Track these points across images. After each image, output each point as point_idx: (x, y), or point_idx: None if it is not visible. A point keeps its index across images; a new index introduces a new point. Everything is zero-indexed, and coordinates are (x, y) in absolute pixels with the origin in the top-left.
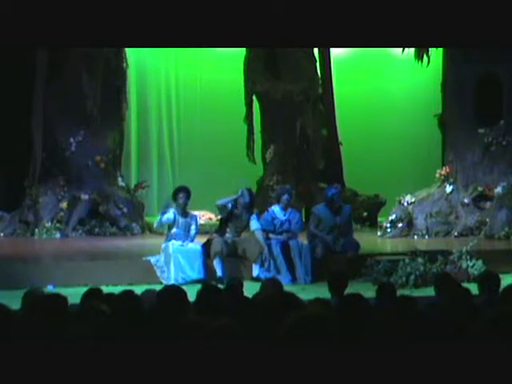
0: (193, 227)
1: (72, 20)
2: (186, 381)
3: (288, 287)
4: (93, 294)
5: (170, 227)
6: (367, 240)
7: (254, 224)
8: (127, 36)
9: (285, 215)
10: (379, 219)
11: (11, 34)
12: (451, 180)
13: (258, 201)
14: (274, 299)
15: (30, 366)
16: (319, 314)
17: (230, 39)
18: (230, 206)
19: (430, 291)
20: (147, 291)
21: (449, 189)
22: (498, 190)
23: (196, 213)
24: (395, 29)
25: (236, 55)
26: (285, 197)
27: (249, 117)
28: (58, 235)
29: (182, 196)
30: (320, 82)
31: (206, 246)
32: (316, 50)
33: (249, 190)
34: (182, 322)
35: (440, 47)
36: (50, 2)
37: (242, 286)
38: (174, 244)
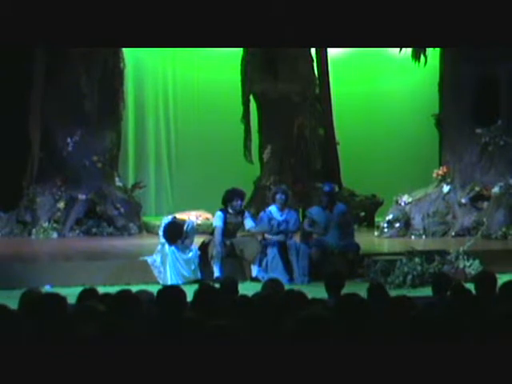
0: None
1: (70, 20)
2: (185, 379)
3: (285, 287)
4: (88, 295)
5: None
6: (364, 240)
7: (248, 223)
8: (125, 36)
9: (282, 215)
10: (376, 219)
11: (10, 34)
12: (448, 180)
13: (255, 201)
14: (276, 299)
15: (29, 366)
16: (323, 314)
17: (227, 39)
18: (222, 224)
19: (427, 291)
20: (140, 292)
21: (446, 189)
22: (495, 189)
23: (193, 213)
24: (392, 29)
25: (233, 55)
26: (278, 196)
27: (246, 117)
28: (55, 235)
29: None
30: (317, 81)
31: (203, 248)
32: (313, 50)
33: (239, 192)
34: (180, 321)
35: (437, 47)
36: (49, 3)
37: (236, 285)
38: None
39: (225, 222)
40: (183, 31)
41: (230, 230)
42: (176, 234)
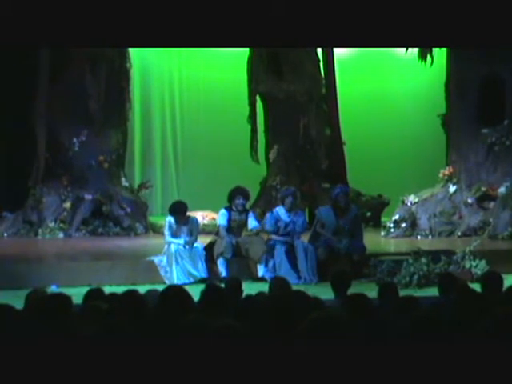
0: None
1: (75, 20)
2: (189, 380)
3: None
4: (94, 295)
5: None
6: (371, 240)
7: (252, 222)
8: (130, 36)
9: (289, 216)
10: (383, 219)
11: (14, 34)
12: (455, 180)
13: (261, 201)
14: (284, 299)
15: (34, 366)
16: (336, 315)
17: (233, 39)
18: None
19: (433, 291)
20: (150, 291)
21: (452, 189)
22: (502, 190)
23: (199, 213)
24: (398, 29)
25: (239, 55)
26: (289, 199)
27: (252, 117)
28: (61, 235)
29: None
30: (323, 81)
31: (209, 248)
32: (319, 50)
33: (241, 190)
34: (184, 322)
35: (443, 47)
36: (53, 2)
37: (240, 285)
38: (176, 244)
39: (229, 220)
40: (189, 31)
41: (235, 227)
42: (180, 208)
